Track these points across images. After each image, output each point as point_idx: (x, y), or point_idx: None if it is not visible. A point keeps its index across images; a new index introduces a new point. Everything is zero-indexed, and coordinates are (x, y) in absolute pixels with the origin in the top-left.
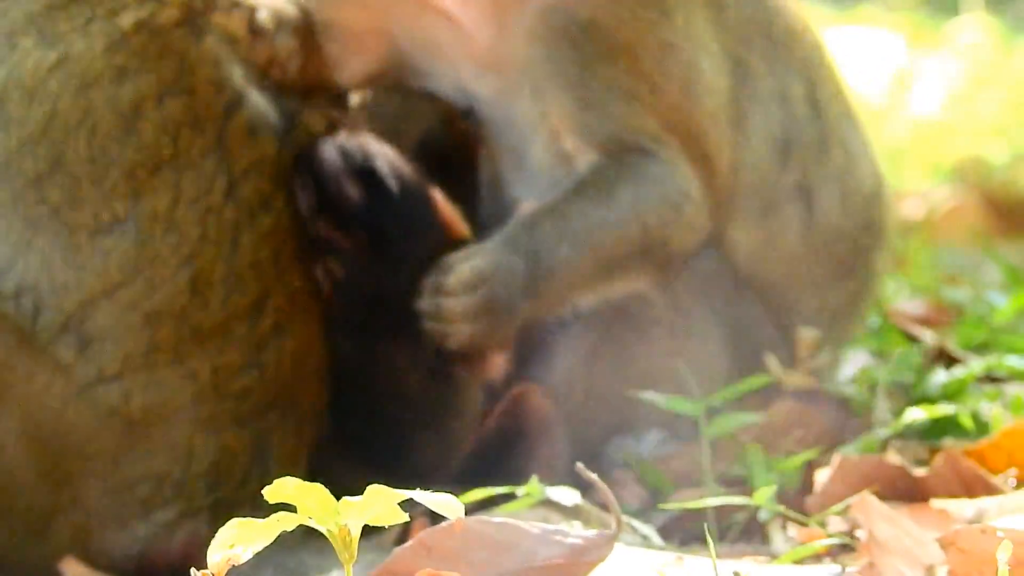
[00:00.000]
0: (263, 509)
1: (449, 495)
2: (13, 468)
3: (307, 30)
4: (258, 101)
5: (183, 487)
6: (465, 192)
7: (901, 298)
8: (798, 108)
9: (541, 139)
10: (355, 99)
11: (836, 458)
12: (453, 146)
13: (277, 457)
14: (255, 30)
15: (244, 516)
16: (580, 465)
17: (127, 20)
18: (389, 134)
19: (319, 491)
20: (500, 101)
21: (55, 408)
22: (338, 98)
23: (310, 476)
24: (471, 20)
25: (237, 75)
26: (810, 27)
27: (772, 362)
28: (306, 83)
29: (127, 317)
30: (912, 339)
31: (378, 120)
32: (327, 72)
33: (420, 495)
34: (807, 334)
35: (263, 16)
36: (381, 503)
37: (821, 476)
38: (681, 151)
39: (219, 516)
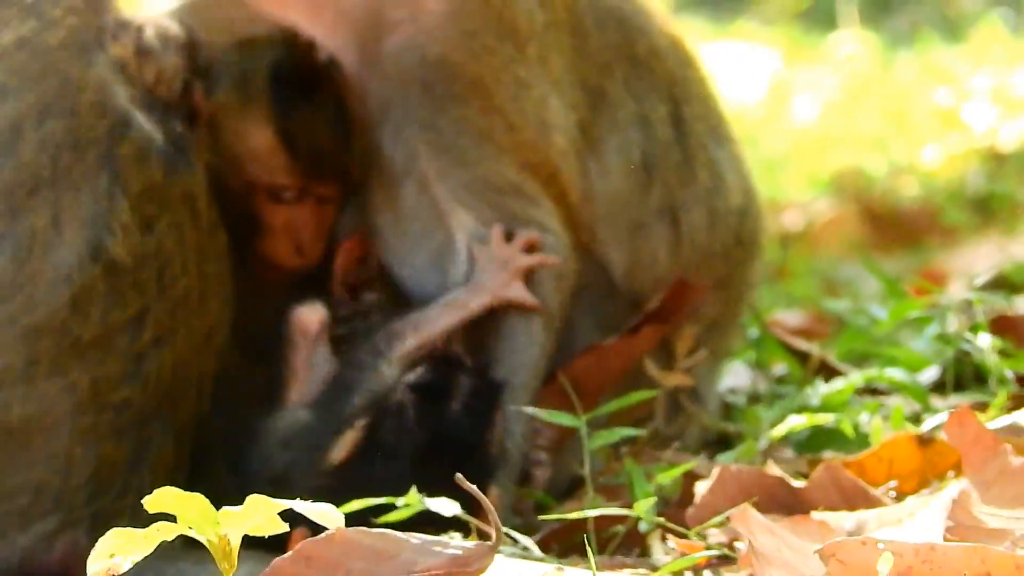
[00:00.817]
0: (143, 519)
1: (329, 505)
2: None
3: (191, 48)
4: (144, 125)
5: (62, 498)
6: (339, 129)
7: (780, 309)
8: (661, 130)
9: (412, 185)
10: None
11: (716, 469)
12: (308, 71)
13: (156, 467)
14: (142, 50)
15: (124, 526)
16: (460, 476)
17: (8, 37)
18: (239, 77)
19: (199, 501)
20: (370, 139)
21: None
22: None
23: (189, 486)
24: (336, 51)
25: (123, 98)
26: (678, 44)
27: (649, 365)
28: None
29: (5, 331)
30: (792, 351)
31: (227, 71)
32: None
33: (300, 505)
34: (684, 332)
35: (149, 35)
36: (261, 513)
37: (701, 487)
38: (544, 193)
39: (99, 526)
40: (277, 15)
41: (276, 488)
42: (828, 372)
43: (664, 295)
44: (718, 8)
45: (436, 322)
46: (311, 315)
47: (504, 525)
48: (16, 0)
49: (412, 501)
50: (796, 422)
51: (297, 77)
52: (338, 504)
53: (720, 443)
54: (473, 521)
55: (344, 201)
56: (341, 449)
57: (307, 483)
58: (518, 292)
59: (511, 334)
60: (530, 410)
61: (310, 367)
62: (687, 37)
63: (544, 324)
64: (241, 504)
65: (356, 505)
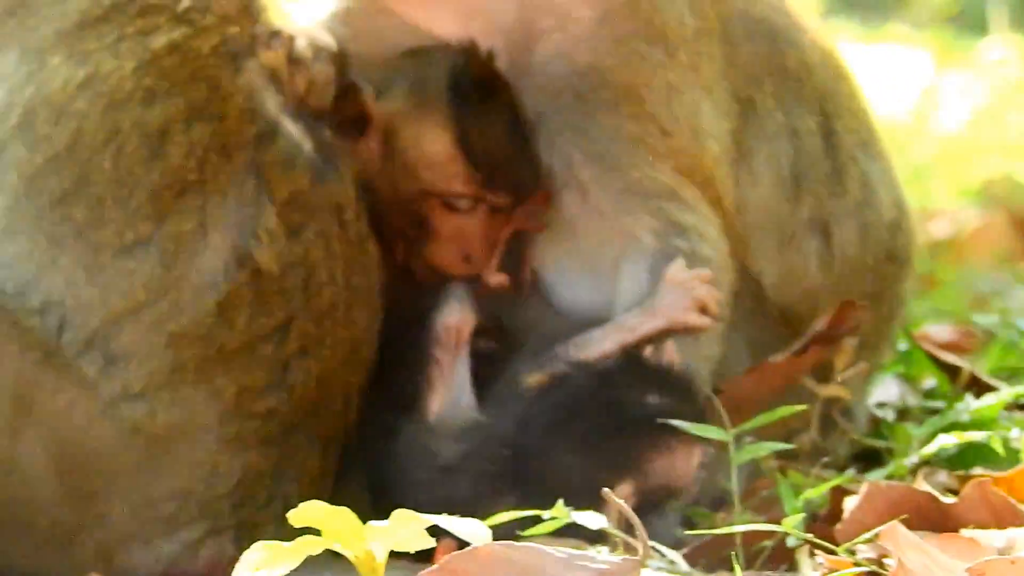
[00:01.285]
0: (289, 528)
1: (475, 520)
2: (37, 483)
3: (342, 58)
4: (292, 133)
5: (208, 506)
6: (515, 138)
7: (929, 322)
8: (810, 142)
9: (572, 194)
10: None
11: (865, 485)
12: (486, 80)
13: (302, 477)
14: (294, 60)
15: (269, 536)
16: (607, 490)
17: (159, 41)
18: (417, 85)
19: (345, 515)
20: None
21: (80, 424)
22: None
23: (335, 496)
24: None
25: (272, 106)
26: (830, 58)
27: (808, 380)
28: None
29: (152, 336)
30: (941, 365)
31: (403, 79)
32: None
33: (445, 520)
34: (844, 346)
35: (302, 45)
36: (407, 528)
37: (850, 503)
38: (701, 199)
39: (244, 535)
40: (428, 25)
41: (445, 477)
42: (978, 387)
43: (831, 316)
44: (869, 11)
45: (601, 344)
46: (459, 322)
47: (666, 537)
48: (168, 6)
49: (559, 514)
50: (945, 439)
51: (476, 86)
52: (494, 508)
53: (868, 458)
54: (619, 535)
55: (515, 211)
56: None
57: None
58: (696, 318)
59: (680, 348)
60: (679, 423)
61: (453, 373)
62: (837, 40)
63: (712, 336)
64: (385, 515)
65: (503, 518)
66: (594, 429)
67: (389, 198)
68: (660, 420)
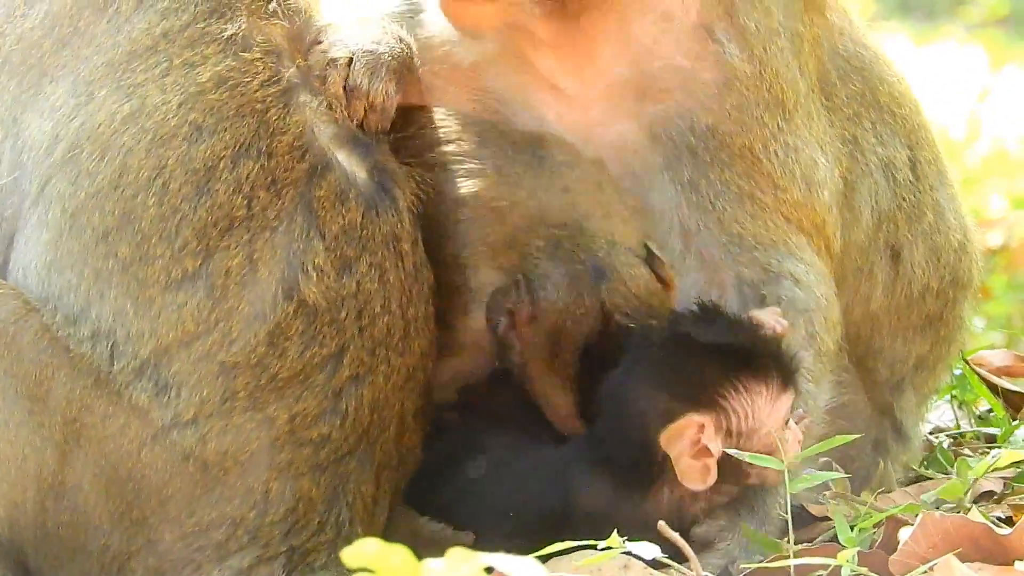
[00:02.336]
0: (339, 557)
1: (529, 559)
2: (89, 508)
3: (405, 64)
4: (346, 165)
5: (259, 533)
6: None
7: (981, 335)
8: (901, 174)
9: (676, 239)
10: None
11: (920, 516)
12: (606, 349)
13: (355, 504)
14: (350, 88)
15: (320, 563)
16: (662, 523)
17: (206, 74)
18: (556, 329)
19: (400, 553)
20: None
21: (131, 450)
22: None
23: (389, 524)
24: (603, 112)
25: (326, 139)
26: (908, 86)
27: None
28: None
29: (203, 365)
30: (996, 390)
31: (549, 313)
32: (421, 97)
33: (499, 560)
34: None
35: (358, 69)
36: (464, 566)
37: (904, 533)
38: (810, 247)
39: (295, 563)
40: (545, 74)
41: None
42: None
43: None
44: (922, 13)
45: None
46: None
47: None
48: (215, 35)
49: (613, 544)
50: (1000, 463)
51: (597, 354)
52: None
53: (923, 483)
54: (675, 566)
55: None
56: None
57: None
58: None
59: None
60: (733, 452)
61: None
62: (890, 43)
63: (822, 362)
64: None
65: (557, 547)
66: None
67: None
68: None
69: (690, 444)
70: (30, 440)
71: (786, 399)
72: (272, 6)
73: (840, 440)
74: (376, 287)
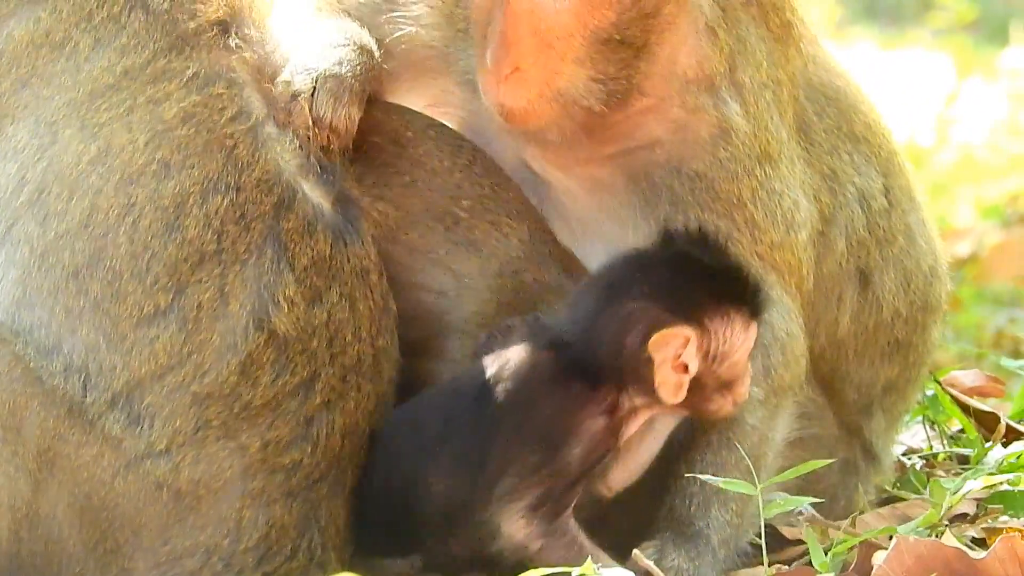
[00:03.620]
0: None
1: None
2: (63, 537)
3: (369, 78)
4: (312, 195)
5: (232, 560)
6: None
7: (950, 347)
8: (876, 202)
9: None
10: None
11: (894, 540)
12: None
13: (327, 528)
14: (315, 120)
15: None
16: (636, 551)
17: (171, 111)
18: None
19: None
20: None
21: (104, 479)
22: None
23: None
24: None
25: (292, 170)
26: (878, 112)
27: None
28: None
29: (176, 396)
30: (968, 410)
31: None
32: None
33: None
34: None
35: (321, 100)
36: None
37: (878, 558)
38: (780, 284)
39: None
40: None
41: None
42: (1007, 433)
43: None
44: (889, 18)
45: None
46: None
47: None
48: (177, 71)
49: (587, 572)
50: (972, 487)
51: None
52: None
53: (895, 505)
54: None
55: None
56: None
57: None
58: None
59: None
60: (705, 477)
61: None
62: (859, 48)
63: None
64: None
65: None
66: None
67: None
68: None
69: (673, 355)
70: (3, 470)
71: (754, 332)
72: (231, 39)
73: (812, 465)
74: (347, 316)
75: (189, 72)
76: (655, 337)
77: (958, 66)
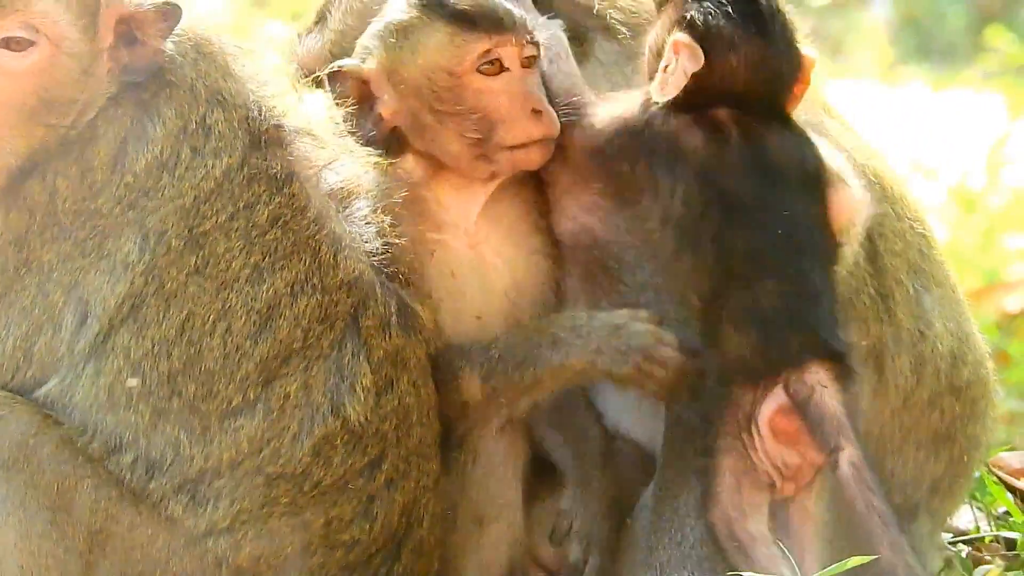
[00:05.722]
0: None
1: None
2: None
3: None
4: (384, 296)
5: None
6: None
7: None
8: (856, 268)
9: None
10: None
11: None
12: None
13: None
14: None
15: None
16: None
17: (263, 214)
18: None
19: None
20: None
21: (159, 559)
22: None
23: None
24: None
25: (368, 271)
26: (879, 180)
27: None
28: None
29: (248, 479)
30: (1015, 492)
31: None
32: None
33: None
34: None
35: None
36: None
37: None
38: None
39: None
40: None
41: None
42: None
43: None
44: (941, 58)
45: None
46: None
47: None
48: (262, 171)
49: None
50: None
51: None
52: None
53: None
54: None
55: None
56: None
57: None
58: None
59: None
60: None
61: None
62: (910, 87)
63: None
64: None
65: None
66: None
67: None
68: None
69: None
70: (53, 551)
71: None
72: (290, 133)
73: (855, 561)
74: (413, 401)
75: (271, 172)
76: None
77: (1010, 107)
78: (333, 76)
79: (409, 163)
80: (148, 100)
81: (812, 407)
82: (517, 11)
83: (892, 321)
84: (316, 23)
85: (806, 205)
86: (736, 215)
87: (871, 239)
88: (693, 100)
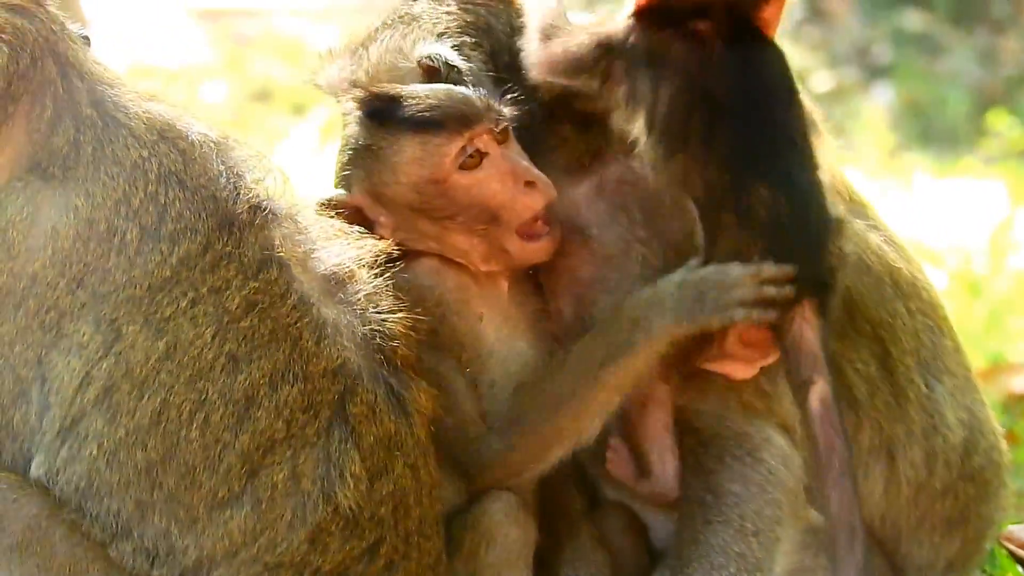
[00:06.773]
0: None
1: None
2: None
3: None
4: (368, 381)
5: None
6: None
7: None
8: (864, 370)
9: None
10: None
11: None
12: None
13: None
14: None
15: None
16: None
17: (234, 301)
18: None
19: None
20: None
21: None
22: None
23: None
24: None
25: (355, 357)
26: (890, 275)
27: None
28: None
29: (247, 568)
30: None
31: None
32: None
33: None
34: None
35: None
36: None
37: None
38: (775, 427)
39: None
40: None
41: None
42: None
43: None
44: (943, 144)
45: None
46: None
47: None
48: (235, 256)
49: None
50: None
51: None
52: None
53: None
54: None
55: None
56: None
57: None
58: None
59: None
60: None
61: None
62: (913, 175)
63: None
64: None
65: None
66: None
67: None
68: None
69: None
70: None
71: None
72: (268, 216)
73: None
74: (411, 483)
75: (243, 257)
76: None
77: (1012, 192)
78: (326, 206)
79: (424, 267)
80: (74, 171)
81: (791, 339)
82: (474, 93)
83: (904, 419)
84: (352, 52)
85: (789, 112)
86: (723, 119)
87: (882, 342)
88: (671, 13)
